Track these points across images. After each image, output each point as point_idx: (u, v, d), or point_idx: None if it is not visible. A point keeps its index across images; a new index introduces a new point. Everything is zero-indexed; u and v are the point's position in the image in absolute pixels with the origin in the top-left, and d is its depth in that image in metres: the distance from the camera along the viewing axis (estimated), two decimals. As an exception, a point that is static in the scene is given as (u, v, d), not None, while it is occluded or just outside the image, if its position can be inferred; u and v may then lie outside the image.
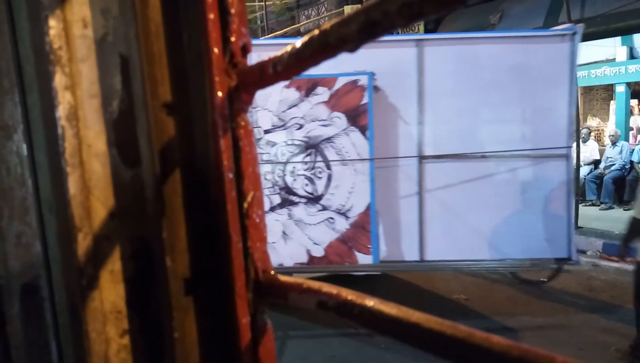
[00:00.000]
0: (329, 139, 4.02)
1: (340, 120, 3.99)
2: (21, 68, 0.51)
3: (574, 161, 5.16)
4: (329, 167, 4.03)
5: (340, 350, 3.78)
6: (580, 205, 6.99)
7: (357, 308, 0.41)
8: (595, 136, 9.54)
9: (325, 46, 0.40)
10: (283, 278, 0.51)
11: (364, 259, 4.04)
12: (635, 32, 8.34)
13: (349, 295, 0.43)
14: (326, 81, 3.94)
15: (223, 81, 0.49)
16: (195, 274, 0.54)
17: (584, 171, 8.15)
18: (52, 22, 0.48)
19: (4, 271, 0.54)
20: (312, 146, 4.05)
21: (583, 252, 6.08)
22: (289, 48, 0.42)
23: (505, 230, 4.05)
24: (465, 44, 4.09)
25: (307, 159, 4.05)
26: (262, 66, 0.46)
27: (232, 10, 0.47)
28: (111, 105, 0.50)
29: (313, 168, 4.07)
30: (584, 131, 8.37)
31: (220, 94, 0.49)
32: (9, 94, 0.52)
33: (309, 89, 3.97)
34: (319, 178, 4.07)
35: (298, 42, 0.42)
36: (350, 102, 3.96)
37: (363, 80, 3.90)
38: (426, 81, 3.99)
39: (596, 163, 8.44)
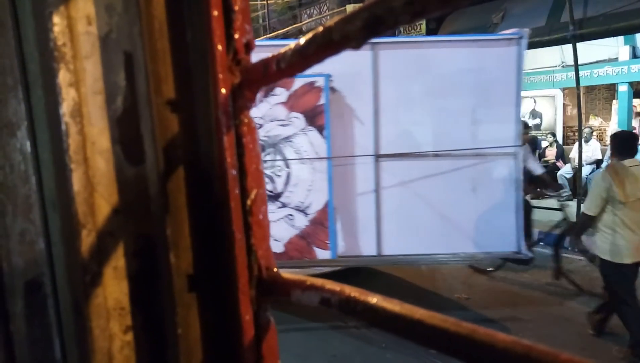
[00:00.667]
0: (287, 139, 4.12)
1: (298, 120, 4.11)
2: (25, 65, 0.51)
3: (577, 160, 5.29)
4: (288, 166, 4.14)
5: (341, 349, 3.78)
6: (582, 204, 6.98)
7: (360, 305, 0.41)
8: (597, 136, 9.52)
9: (328, 43, 0.40)
10: (286, 275, 0.51)
11: (322, 254, 4.16)
12: (638, 32, 8.32)
13: (352, 292, 0.43)
14: (284, 82, 4.04)
15: (227, 78, 0.49)
16: (198, 271, 0.54)
17: (586, 170, 8.14)
18: (57, 19, 0.48)
19: (8, 268, 0.54)
20: (271, 145, 4.15)
21: (584, 252, 6.07)
22: (292, 45, 0.42)
23: (459, 225, 4.21)
24: (418, 47, 4.25)
25: (267, 158, 4.14)
26: (265, 63, 0.46)
27: (236, 8, 0.47)
28: (115, 102, 0.50)
29: (272, 167, 4.17)
30: (586, 131, 8.36)
31: (223, 91, 0.49)
32: (13, 91, 0.52)
33: (268, 90, 4.07)
34: (279, 176, 4.17)
35: (302, 40, 0.42)
36: (307, 103, 4.08)
37: (320, 82, 4.02)
38: (381, 83, 4.12)
39: (598, 163, 8.42)
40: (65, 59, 0.48)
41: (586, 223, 3.58)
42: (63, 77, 0.47)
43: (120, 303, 0.51)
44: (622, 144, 3.45)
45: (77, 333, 0.52)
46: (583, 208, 3.61)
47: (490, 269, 5.29)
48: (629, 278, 3.43)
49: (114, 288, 0.51)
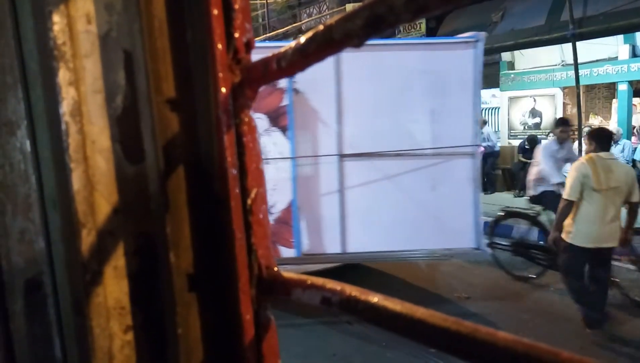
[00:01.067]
0: None
1: (261, 121, 4.20)
2: (24, 64, 0.51)
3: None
4: None
5: (341, 348, 3.78)
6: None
7: (361, 304, 0.41)
8: (597, 135, 9.50)
9: (329, 42, 0.40)
10: (287, 274, 0.51)
11: (287, 252, 4.27)
12: (638, 31, 8.31)
13: (353, 291, 0.43)
14: None
15: (227, 77, 0.49)
16: (198, 270, 0.54)
17: (585, 169, 8.12)
18: (56, 18, 0.48)
19: (7, 267, 0.54)
20: (235, 146, 4.34)
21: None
22: (293, 44, 0.42)
23: (420, 223, 4.34)
24: (379, 50, 4.33)
25: None
26: (266, 62, 0.46)
27: (236, 7, 0.47)
28: (115, 101, 0.50)
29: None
30: (586, 130, 8.35)
31: (224, 90, 0.49)
32: (12, 90, 0.52)
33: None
34: None
35: (303, 38, 0.42)
36: (270, 104, 4.17)
37: (282, 83, 4.10)
38: (344, 84, 4.22)
39: (598, 162, 8.40)
40: (65, 57, 0.47)
41: (566, 208, 3.82)
42: (63, 76, 0.47)
43: (120, 303, 0.51)
44: (601, 139, 3.87)
45: (77, 333, 0.52)
46: (563, 194, 3.86)
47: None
48: (584, 261, 3.83)
49: (114, 287, 0.51)
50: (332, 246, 4.34)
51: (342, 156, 4.26)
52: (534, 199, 5.26)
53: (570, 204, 3.78)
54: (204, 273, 0.54)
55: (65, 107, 0.47)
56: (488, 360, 0.33)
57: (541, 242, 5.27)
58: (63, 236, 0.52)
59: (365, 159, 4.28)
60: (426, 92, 4.25)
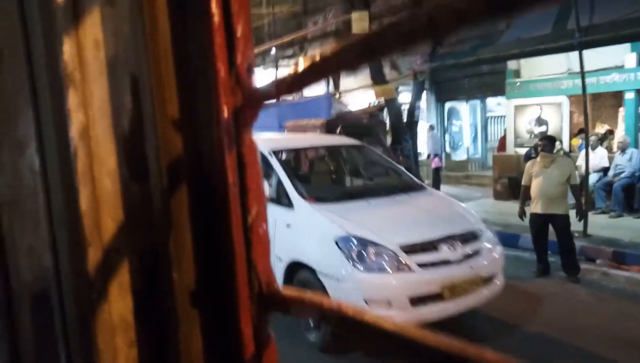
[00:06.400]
0: None
1: None
2: (35, 88, 0.53)
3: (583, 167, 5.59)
4: None
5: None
6: (589, 213, 6.93)
7: (355, 323, 0.42)
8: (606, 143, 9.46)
9: (325, 70, 0.42)
10: (286, 291, 0.52)
11: None
12: (645, 39, 8.28)
13: (349, 309, 0.44)
14: None
15: (229, 100, 0.51)
16: (200, 286, 0.56)
17: (592, 178, 8.08)
18: (66, 44, 0.50)
19: (16, 282, 0.55)
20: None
21: (592, 260, 6.02)
22: (292, 71, 0.44)
23: None
24: None
25: None
26: (266, 87, 0.48)
27: (238, 35, 0.49)
28: (121, 123, 0.52)
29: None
30: (592, 138, 8.31)
31: (226, 112, 0.51)
32: (24, 113, 0.54)
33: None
34: None
35: (301, 66, 0.43)
36: None
37: None
38: None
39: (605, 171, 8.36)
40: (75, 83, 0.49)
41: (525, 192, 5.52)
42: (72, 100, 0.49)
43: (125, 319, 0.53)
44: (553, 142, 5.62)
45: (82, 347, 0.54)
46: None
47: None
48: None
49: (119, 303, 0.52)
50: None
51: None
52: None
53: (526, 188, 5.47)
54: (206, 289, 0.56)
55: (74, 131, 0.49)
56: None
57: None
58: (70, 253, 0.54)
59: None
60: None
